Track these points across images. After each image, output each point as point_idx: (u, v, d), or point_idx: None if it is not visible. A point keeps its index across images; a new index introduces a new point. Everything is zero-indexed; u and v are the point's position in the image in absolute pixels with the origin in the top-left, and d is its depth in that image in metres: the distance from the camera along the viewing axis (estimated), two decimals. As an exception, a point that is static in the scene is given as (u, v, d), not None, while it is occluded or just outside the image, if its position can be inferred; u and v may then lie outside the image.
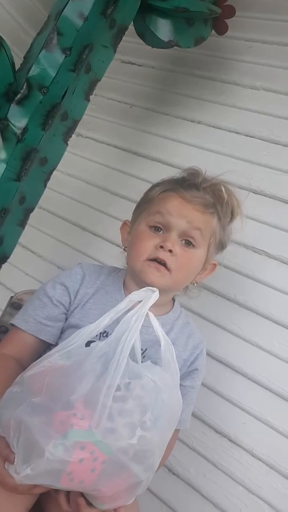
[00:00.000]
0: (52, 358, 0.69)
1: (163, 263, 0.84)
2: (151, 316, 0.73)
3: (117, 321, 0.71)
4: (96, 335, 0.73)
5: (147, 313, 0.72)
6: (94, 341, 0.73)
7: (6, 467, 0.63)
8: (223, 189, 0.90)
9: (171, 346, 0.73)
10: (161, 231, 0.86)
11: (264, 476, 1.05)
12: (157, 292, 0.73)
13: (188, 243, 0.86)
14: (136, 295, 0.73)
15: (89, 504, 0.68)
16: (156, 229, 0.87)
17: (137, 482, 0.66)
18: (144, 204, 0.93)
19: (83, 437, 0.61)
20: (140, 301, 0.72)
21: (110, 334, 0.70)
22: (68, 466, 0.60)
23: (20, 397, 0.67)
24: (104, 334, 0.80)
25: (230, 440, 1.11)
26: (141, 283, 0.84)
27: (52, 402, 0.63)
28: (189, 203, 0.86)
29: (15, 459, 0.61)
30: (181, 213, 0.85)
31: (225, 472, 1.10)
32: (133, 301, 0.72)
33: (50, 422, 0.62)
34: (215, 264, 0.95)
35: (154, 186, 0.95)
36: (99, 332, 0.72)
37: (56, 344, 0.87)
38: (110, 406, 0.62)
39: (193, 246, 0.86)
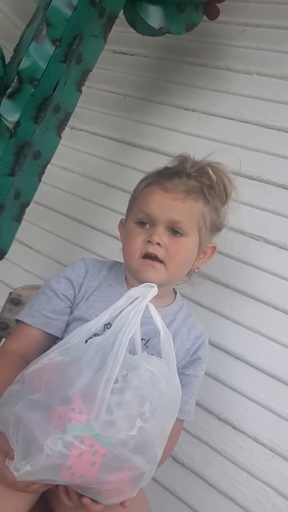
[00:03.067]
0: (51, 355, 0.70)
1: (154, 257, 0.85)
2: (152, 307, 0.74)
3: (117, 316, 0.71)
4: (99, 329, 0.72)
5: (148, 304, 0.72)
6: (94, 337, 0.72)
7: (6, 463, 0.63)
8: (210, 170, 0.90)
9: (169, 336, 0.74)
10: (148, 226, 0.88)
11: (268, 461, 1.06)
12: (156, 287, 0.73)
13: (176, 232, 0.87)
14: (135, 291, 0.73)
15: (94, 501, 0.68)
16: (143, 224, 0.88)
17: (140, 474, 0.66)
18: (132, 201, 0.95)
19: (82, 431, 0.61)
20: (138, 297, 0.72)
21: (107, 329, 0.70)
22: (68, 461, 0.60)
23: (20, 394, 0.67)
24: (108, 326, 0.80)
25: (233, 427, 1.11)
26: (140, 281, 0.85)
27: (50, 398, 0.64)
28: (169, 193, 0.86)
29: (15, 455, 0.61)
30: (162, 206, 0.86)
31: (229, 459, 1.10)
32: (132, 297, 0.73)
33: (49, 417, 0.62)
34: (214, 247, 0.95)
35: (140, 181, 0.96)
36: (99, 328, 0.72)
37: (62, 338, 0.88)
38: (109, 399, 0.62)
39: (181, 234, 0.87)
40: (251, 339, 1.14)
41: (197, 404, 1.13)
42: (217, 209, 0.92)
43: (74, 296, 0.90)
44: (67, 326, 0.90)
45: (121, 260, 0.97)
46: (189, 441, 1.15)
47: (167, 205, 0.86)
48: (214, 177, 0.90)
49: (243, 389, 1.12)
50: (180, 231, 0.86)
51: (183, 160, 0.94)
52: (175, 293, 0.99)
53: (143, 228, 0.88)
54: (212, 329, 1.17)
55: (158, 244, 0.84)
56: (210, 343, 1.15)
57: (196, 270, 0.95)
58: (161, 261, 0.85)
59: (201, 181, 0.90)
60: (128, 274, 0.94)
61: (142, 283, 0.79)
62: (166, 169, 0.94)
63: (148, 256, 0.85)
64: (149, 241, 0.85)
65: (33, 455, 0.60)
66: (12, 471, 0.61)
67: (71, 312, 0.90)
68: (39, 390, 0.65)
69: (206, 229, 0.90)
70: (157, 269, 0.85)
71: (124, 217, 0.98)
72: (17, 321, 0.91)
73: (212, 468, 1.12)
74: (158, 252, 0.85)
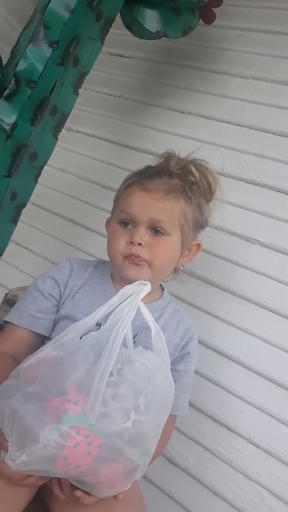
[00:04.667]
0: (46, 350, 0.71)
1: (137, 257, 0.86)
2: (141, 304, 0.75)
3: (110, 314, 0.72)
4: (93, 325, 0.74)
5: (139, 303, 0.74)
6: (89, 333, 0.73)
7: (2, 456, 0.64)
8: (192, 168, 0.90)
9: (161, 333, 0.75)
10: (130, 225, 0.89)
11: (262, 463, 1.07)
12: (149, 285, 0.75)
13: (157, 232, 0.88)
14: (129, 289, 0.75)
15: (87, 494, 0.69)
16: (125, 224, 0.89)
17: (134, 466, 0.67)
18: (116, 201, 0.96)
19: (77, 422, 0.62)
20: (132, 294, 0.74)
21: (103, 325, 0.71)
22: (63, 451, 0.61)
23: (15, 388, 0.68)
24: (100, 325, 0.81)
25: (228, 429, 1.12)
26: (126, 280, 0.87)
27: (46, 390, 0.65)
28: (149, 193, 0.87)
29: (9, 447, 0.62)
30: (142, 206, 0.87)
31: (224, 460, 1.11)
32: (126, 294, 0.74)
33: (45, 408, 0.63)
34: (199, 244, 0.96)
35: (123, 181, 0.97)
36: (93, 325, 0.73)
37: (49, 337, 0.90)
38: (104, 391, 0.64)
39: (163, 233, 0.88)
40: (246, 341, 1.15)
41: (192, 405, 1.14)
42: (201, 206, 0.92)
43: (60, 295, 0.92)
44: (54, 325, 0.91)
45: (108, 259, 0.98)
46: (183, 442, 1.16)
47: (147, 205, 0.87)
48: (197, 174, 0.90)
49: (237, 390, 1.13)
50: (161, 230, 0.87)
51: (167, 157, 0.95)
52: (163, 289, 1.00)
53: (125, 228, 0.89)
54: (207, 331, 1.18)
55: (140, 244, 0.86)
56: (205, 344, 1.16)
57: (181, 268, 0.96)
58: (144, 260, 0.86)
59: (183, 179, 0.90)
60: (114, 272, 0.95)
61: (128, 281, 0.82)
62: (147, 168, 0.94)
63: (131, 256, 0.87)
64: (131, 242, 0.86)
65: (29, 445, 0.61)
66: (7, 462, 0.62)
67: (58, 311, 0.91)
68: (34, 383, 0.66)
69: (188, 227, 0.90)
70: (141, 267, 0.87)
71: (109, 217, 0.99)
72: (6, 322, 0.92)
73: (206, 469, 1.12)
74: (141, 252, 0.86)
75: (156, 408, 0.68)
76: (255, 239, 1.20)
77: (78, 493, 0.69)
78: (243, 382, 1.13)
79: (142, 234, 0.86)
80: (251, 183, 1.25)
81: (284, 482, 1.04)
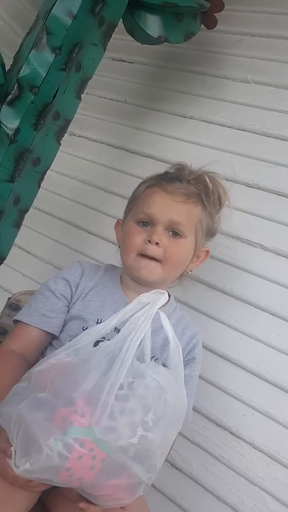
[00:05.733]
0: (59, 356, 0.70)
1: (151, 257, 0.88)
2: (163, 316, 0.73)
3: (127, 320, 0.71)
4: (108, 332, 0.73)
5: (160, 313, 0.73)
6: (102, 340, 0.72)
7: (7, 459, 0.64)
8: (207, 179, 0.94)
9: (179, 348, 0.74)
10: (148, 226, 0.90)
11: (265, 467, 1.06)
12: (166, 294, 0.73)
13: (175, 234, 0.90)
14: (146, 297, 0.73)
15: (92, 503, 0.68)
16: (144, 224, 0.91)
17: (138, 482, 0.66)
18: (132, 202, 0.98)
19: (82, 434, 0.61)
20: (148, 303, 0.72)
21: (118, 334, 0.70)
22: (66, 463, 0.60)
23: (25, 392, 0.67)
24: (117, 331, 0.80)
25: (231, 433, 1.12)
26: (136, 279, 0.90)
27: (55, 398, 0.64)
28: (171, 195, 0.90)
29: (13, 453, 0.62)
30: (163, 207, 0.89)
31: (227, 465, 1.10)
32: (142, 302, 0.73)
33: (52, 418, 0.62)
34: (207, 251, 0.99)
35: (141, 183, 0.99)
36: (108, 331, 0.72)
37: (58, 337, 0.90)
38: (112, 404, 0.63)
39: (180, 236, 0.90)
40: (249, 345, 1.14)
41: (196, 410, 1.13)
42: (212, 215, 0.96)
43: (71, 295, 0.93)
44: (64, 325, 0.92)
45: (117, 264, 0.99)
46: (187, 447, 1.16)
47: (168, 206, 0.89)
48: (210, 185, 0.94)
49: (241, 395, 1.12)
50: (179, 233, 0.90)
51: (180, 168, 0.98)
52: (169, 295, 1.00)
53: (143, 227, 0.90)
54: (210, 335, 1.17)
55: (157, 244, 0.87)
56: (208, 348, 1.16)
57: (189, 273, 0.97)
58: (158, 260, 0.88)
59: (198, 188, 0.93)
60: (123, 275, 0.96)
61: (138, 281, 0.84)
62: (166, 173, 0.98)
63: (145, 255, 0.88)
64: (148, 241, 0.88)
65: (33, 454, 0.60)
66: (12, 467, 0.62)
67: (68, 311, 0.92)
68: (45, 389, 0.65)
69: (202, 233, 0.93)
70: (152, 267, 0.88)
71: (121, 218, 1.01)
72: (15, 321, 0.92)
73: (210, 474, 1.12)
74: (156, 252, 0.87)
75: (165, 425, 0.67)
76: (257, 243, 1.20)
77: (82, 505, 0.69)
78: (246, 386, 1.12)
79: (160, 234, 0.88)
80: (253, 187, 1.26)
81: (287, 487, 1.03)
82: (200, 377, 1.13)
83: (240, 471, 1.09)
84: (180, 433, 1.13)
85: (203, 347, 1.16)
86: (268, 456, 1.07)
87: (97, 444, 0.61)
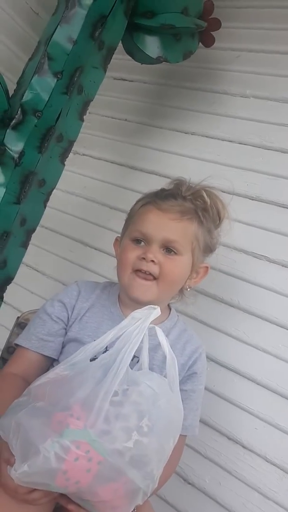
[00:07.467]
0: (56, 370, 0.72)
1: (148, 274, 0.87)
2: (159, 331, 0.75)
3: (119, 337, 0.73)
4: (103, 348, 0.74)
5: (157, 329, 0.75)
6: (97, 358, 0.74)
7: (8, 470, 0.65)
8: (204, 194, 0.94)
9: (175, 361, 0.75)
10: (143, 243, 0.90)
11: (279, 481, 1.06)
12: (158, 309, 0.75)
13: (170, 251, 0.89)
14: (138, 313, 0.75)
15: None
16: (138, 241, 0.91)
17: (135, 489, 0.66)
18: (129, 220, 0.98)
19: (79, 436, 0.62)
20: (141, 318, 0.74)
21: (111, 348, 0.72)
22: (63, 465, 0.61)
23: (24, 404, 0.69)
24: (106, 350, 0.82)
25: (243, 446, 1.11)
26: (131, 298, 0.89)
27: (51, 406, 0.66)
28: (165, 213, 0.89)
29: (15, 460, 0.63)
30: (157, 225, 0.89)
31: (240, 479, 1.10)
32: (136, 318, 0.74)
33: (48, 422, 0.64)
34: (207, 267, 0.97)
35: (137, 201, 0.99)
36: (103, 347, 0.73)
37: (58, 359, 0.91)
38: (107, 409, 0.64)
39: (175, 253, 0.89)
40: (257, 357, 1.15)
41: (206, 423, 1.13)
42: (210, 231, 0.95)
43: (68, 318, 0.93)
44: (62, 347, 0.93)
45: (116, 281, 0.99)
46: (199, 461, 1.15)
47: (163, 224, 0.89)
48: (208, 200, 0.93)
49: (251, 407, 1.12)
50: (174, 250, 0.89)
51: (178, 183, 0.97)
52: (170, 309, 1.00)
53: (139, 245, 0.90)
54: (218, 348, 1.18)
55: (152, 261, 0.87)
56: (216, 361, 1.17)
57: (188, 289, 0.96)
58: (154, 278, 0.88)
59: (195, 204, 0.93)
60: (121, 293, 0.96)
61: (134, 300, 0.84)
62: (162, 190, 0.97)
63: (140, 271, 0.88)
64: (143, 258, 0.87)
65: (31, 456, 0.61)
66: (11, 473, 0.63)
67: (66, 333, 0.93)
68: (43, 399, 0.68)
69: (199, 250, 0.92)
70: (146, 288, 0.88)
71: (119, 236, 1.01)
72: (16, 345, 0.94)
73: (223, 488, 1.12)
74: (152, 268, 0.87)
75: (160, 431, 0.68)
76: (262, 255, 1.21)
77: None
78: (256, 399, 1.12)
79: (155, 252, 0.88)
80: (255, 200, 1.27)
81: (302, 500, 1.03)
82: (209, 390, 1.13)
83: (253, 485, 1.08)
84: (191, 448, 1.14)
85: (212, 360, 1.17)
86: (281, 469, 1.06)
87: (93, 446, 0.62)
